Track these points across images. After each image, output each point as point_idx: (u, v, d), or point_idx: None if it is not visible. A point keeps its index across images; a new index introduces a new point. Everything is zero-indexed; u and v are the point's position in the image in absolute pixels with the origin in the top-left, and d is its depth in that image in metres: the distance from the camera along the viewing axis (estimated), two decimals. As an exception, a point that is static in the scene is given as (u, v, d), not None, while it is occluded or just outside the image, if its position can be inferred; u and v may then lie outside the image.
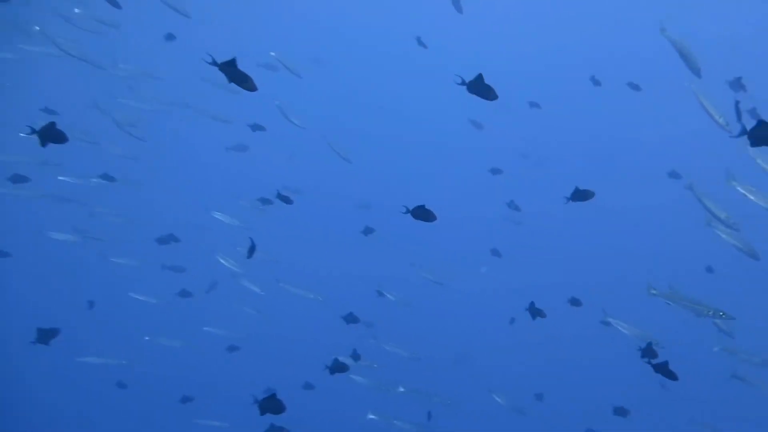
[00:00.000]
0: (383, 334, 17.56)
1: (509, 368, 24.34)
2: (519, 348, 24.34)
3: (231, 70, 6.02)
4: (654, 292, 8.60)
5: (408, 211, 7.75)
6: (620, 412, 11.19)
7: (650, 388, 15.83)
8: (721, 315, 8.05)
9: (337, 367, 10.27)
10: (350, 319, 12.73)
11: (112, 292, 20.21)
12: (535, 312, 10.60)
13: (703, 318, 8.17)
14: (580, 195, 8.48)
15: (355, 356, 12.55)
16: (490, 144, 28.46)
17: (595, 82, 16.90)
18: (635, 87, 16.80)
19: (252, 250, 10.38)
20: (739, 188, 8.19)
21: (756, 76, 13.04)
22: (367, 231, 16.54)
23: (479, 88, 6.50)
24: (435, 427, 15.67)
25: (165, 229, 15.77)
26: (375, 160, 29.96)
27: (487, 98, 6.48)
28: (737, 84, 11.87)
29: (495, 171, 18.48)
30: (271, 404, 8.15)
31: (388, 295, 18.05)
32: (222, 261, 15.61)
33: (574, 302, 13.78)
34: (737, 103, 8.08)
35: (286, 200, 10.79)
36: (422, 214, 7.87)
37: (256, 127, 14.54)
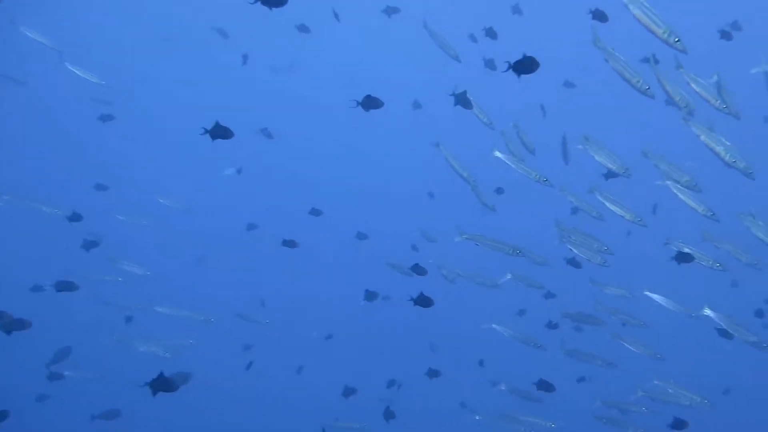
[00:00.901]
0: (118, 253, 16.49)
1: (244, 274, 25.01)
2: (255, 255, 24.87)
3: None
4: (464, 236, 9.44)
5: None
6: (370, 296, 11.97)
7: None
8: (517, 252, 9.41)
9: (64, 287, 9.74)
10: (74, 217, 12.01)
11: None
12: (289, 244, 11.10)
13: (504, 254, 9.47)
14: (371, 103, 8.30)
15: (89, 244, 11.98)
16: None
17: (336, 16, 16.63)
18: (393, 10, 16.60)
19: None
20: (500, 156, 9.15)
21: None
22: (105, 118, 15.62)
23: None
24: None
25: None
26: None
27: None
28: (491, 32, 13.05)
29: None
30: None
31: (119, 216, 17.09)
32: None
33: (315, 212, 14.46)
34: (456, 95, 9.00)
35: None
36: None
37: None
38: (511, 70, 6.80)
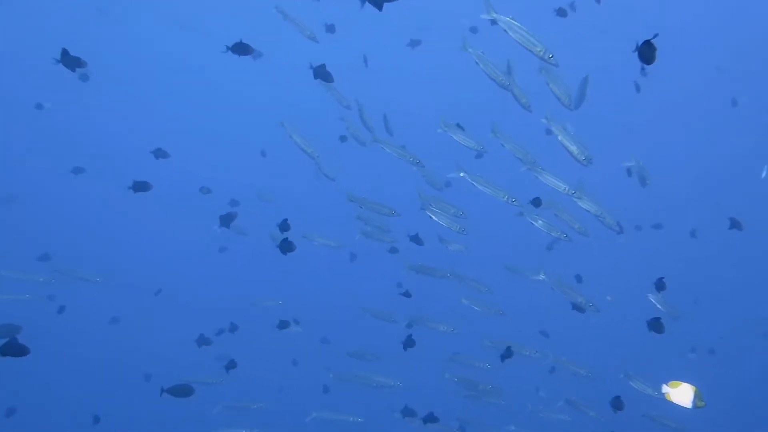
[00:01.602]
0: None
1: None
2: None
3: None
4: (351, 199, 9.96)
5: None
6: (225, 220, 11.94)
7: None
8: (393, 212, 10.05)
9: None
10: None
11: None
12: (139, 187, 10.57)
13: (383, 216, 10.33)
14: (241, 48, 9.11)
15: None
16: None
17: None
18: None
19: None
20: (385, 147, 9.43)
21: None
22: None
23: None
24: None
25: None
26: None
27: None
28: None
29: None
30: None
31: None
32: None
33: (159, 154, 13.64)
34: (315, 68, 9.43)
35: None
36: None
37: None
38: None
